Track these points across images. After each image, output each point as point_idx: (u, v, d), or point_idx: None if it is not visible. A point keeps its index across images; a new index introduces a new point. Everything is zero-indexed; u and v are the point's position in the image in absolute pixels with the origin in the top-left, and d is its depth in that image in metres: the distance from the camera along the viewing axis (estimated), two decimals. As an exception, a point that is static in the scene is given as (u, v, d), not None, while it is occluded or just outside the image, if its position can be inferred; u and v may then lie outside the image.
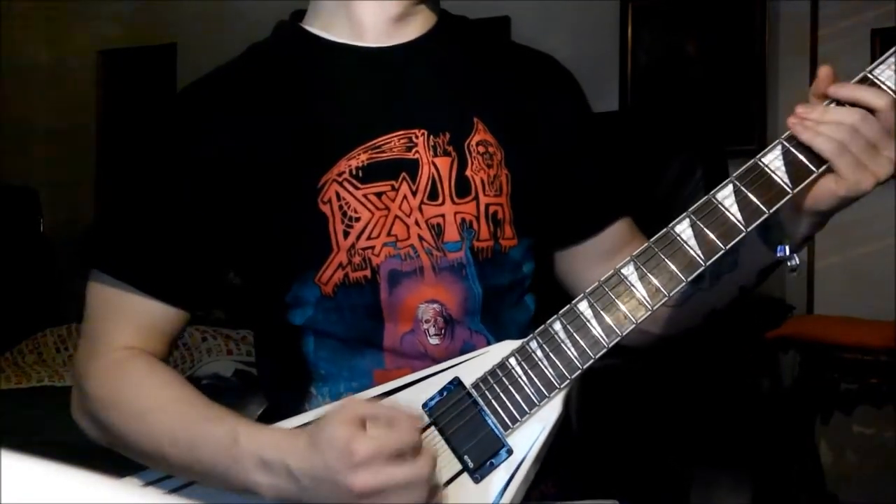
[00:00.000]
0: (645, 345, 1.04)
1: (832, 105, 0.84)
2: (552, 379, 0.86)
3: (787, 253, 0.86)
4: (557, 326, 0.86)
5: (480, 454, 0.85)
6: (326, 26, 1.01)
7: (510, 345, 0.88)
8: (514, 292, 0.97)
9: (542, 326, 0.87)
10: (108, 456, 0.94)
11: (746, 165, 0.84)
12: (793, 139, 0.84)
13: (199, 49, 3.95)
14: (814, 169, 0.82)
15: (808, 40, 3.06)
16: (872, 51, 2.92)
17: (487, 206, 0.95)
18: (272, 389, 1.05)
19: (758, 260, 0.92)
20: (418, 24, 1.01)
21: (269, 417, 0.94)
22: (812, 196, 0.84)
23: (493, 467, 0.85)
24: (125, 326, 0.96)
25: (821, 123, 0.82)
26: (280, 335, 0.97)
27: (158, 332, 0.97)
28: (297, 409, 0.95)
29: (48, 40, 4.56)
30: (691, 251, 0.84)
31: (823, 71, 0.84)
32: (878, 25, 2.94)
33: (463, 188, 0.94)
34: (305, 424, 0.88)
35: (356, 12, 1.00)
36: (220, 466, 0.85)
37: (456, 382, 0.88)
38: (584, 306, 0.86)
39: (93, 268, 0.98)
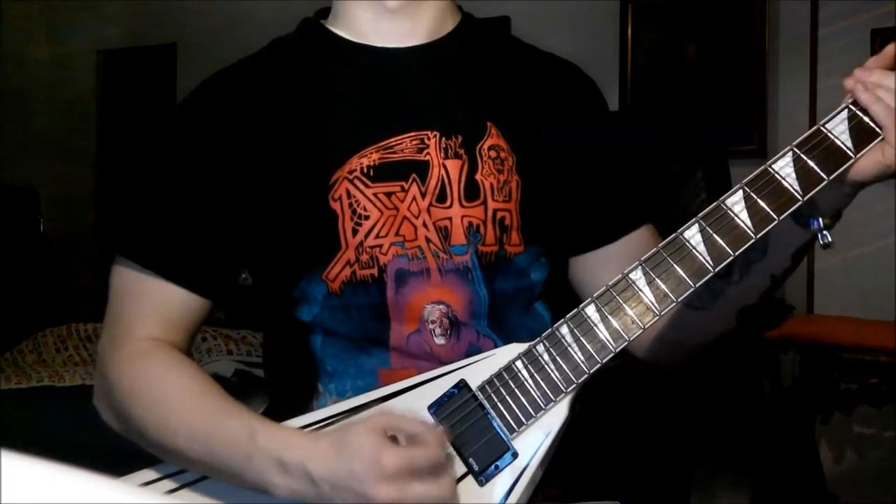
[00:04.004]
0: (682, 360, 1.03)
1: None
2: (559, 383, 0.85)
3: (821, 226, 0.85)
4: (564, 330, 0.86)
5: (485, 457, 0.85)
6: (343, 26, 1.02)
7: (517, 348, 0.88)
8: (520, 299, 0.96)
9: (549, 330, 0.87)
10: (108, 456, 0.94)
11: (757, 171, 0.84)
12: (803, 145, 0.84)
13: (199, 49, 3.95)
14: (824, 176, 0.82)
15: (808, 40, 3.06)
16: (872, 51, 2.91)
17: (495, 211, 0.95)
18: (279, 385, 1.05)
19: (789, 242, 0.90)
20: (437, 26, 1.01)
21: (272, 415, 0.94)
22: (859, 165, 0.83)
23: (497, 470, 0.85)
24: (148, 315, 0.96)
25: (878, 87, 0.82)
26: (288, 331, 0.98)
27: (180, 321, 0.97)
28: (303, 406, 0.95)
29: (48, 40, 4.56)
30: (700, 256, 0.84)
31: (892, 48, 0.83)
32: (878, 25, 2.94)
33: (472, 192, 0.94)
34: (315, 423, 0.88)
35: (351, 9, 1.00)
36: (236, 462, 0.85)
37: (462, 385, 0.88)
38: (591, 310, 0.86)
39: (118, 254, 0.98)
